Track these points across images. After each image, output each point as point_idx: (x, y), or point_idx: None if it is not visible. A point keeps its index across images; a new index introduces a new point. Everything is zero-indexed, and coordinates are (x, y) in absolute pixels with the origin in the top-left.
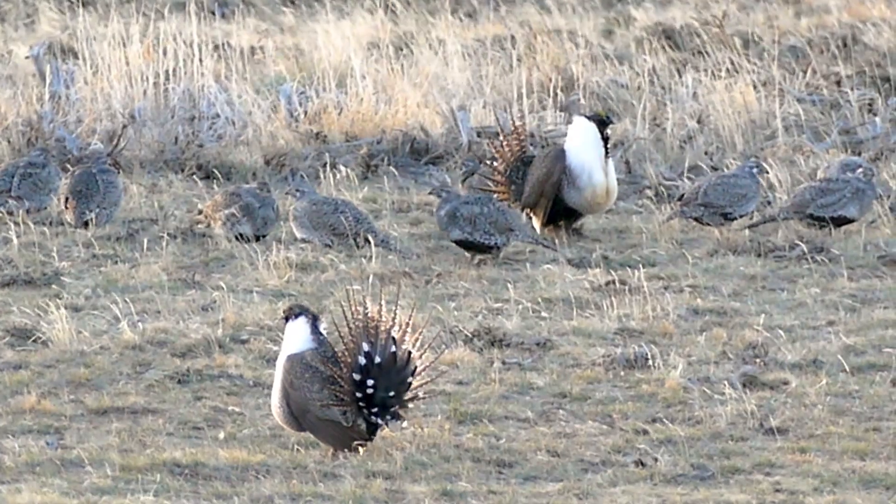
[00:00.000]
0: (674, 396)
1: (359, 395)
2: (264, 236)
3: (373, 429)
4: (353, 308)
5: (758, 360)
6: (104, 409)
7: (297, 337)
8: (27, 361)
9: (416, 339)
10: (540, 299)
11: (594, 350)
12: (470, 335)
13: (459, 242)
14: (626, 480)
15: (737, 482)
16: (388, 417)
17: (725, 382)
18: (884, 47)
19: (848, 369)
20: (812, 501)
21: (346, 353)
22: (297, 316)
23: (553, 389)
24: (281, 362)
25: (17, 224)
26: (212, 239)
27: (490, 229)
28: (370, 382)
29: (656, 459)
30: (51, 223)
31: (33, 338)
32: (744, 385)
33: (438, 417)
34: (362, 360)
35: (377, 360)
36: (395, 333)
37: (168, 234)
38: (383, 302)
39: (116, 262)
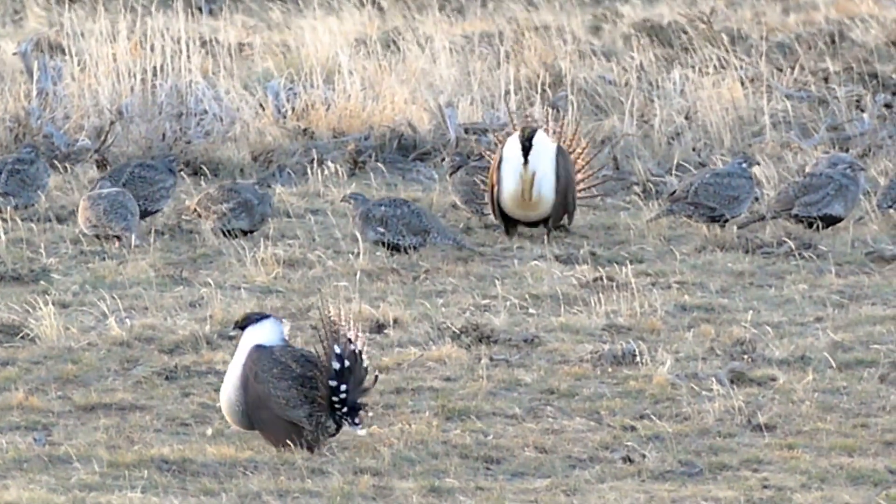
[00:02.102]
0: (661, 393)
1: (335, 399)
2: (254, 231)
3: (336, 431)
4: (325, 312)
5: (745, 357)
6: (92, 405)
7: (266, 334)
8: (15, 358)
9: (363, 338)
10: (527, 296)
11: (582, 346)
12: (457, 332)
13: (375, 244)
14: (614, 477)
15: (724, 478)
16: (356, 420)
17: (713, 379)
18: (871, 44)
19: (835, 366)
20: (800, 498)
21: (323, 358)
22: (262, 319)
23: (541, 386)
24: (242, 354)
25: (4, 220)
26: (199, 235)
27: (403, 230)
28: (343, 387)
29: (644, 456)
30: (38, 220)
31: (21, 334)
32: (731, 381)
33: (426, 414)
34: (337, 365)
35: (347, 363)
36: (351, 334)
37: (156, 231)
38: (341, 304)
39: (104, 259)
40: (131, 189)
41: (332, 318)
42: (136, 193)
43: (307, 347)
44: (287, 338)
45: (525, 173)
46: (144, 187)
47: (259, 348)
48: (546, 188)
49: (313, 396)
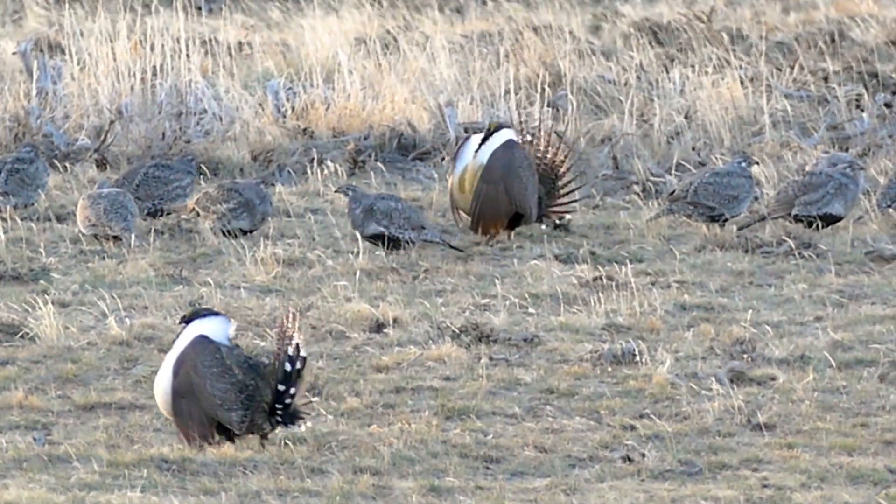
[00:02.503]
0: (661, 392)
1: (279, 403)
2: (254, 231)
3: (269, 432)
4: (288, 317)
5: (745, 356)
6: (91, 404)
7: (212, 329)
8: (14, 357)
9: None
10: (527, 295)
11: (581, 346)
12: (457, 331)
13: (375, 237)
14: (614, 476)
15: (724, 478)
16: (296, 423)
17: (713, 378)
18: (871, 43)
19: (835, 365)
20: (799, 497)
21: (274, 362)
22: (210, 314)
23: (540, 385)
24: (184, 341)
25: (4, 220)
26: (199, 235)
27: (405, 224)
28: (292, 391)
29: (644, 455)
30: (38, 219)
31: (20, 333)
32: (731, 381)
33: (426, 413)
34: (288, 367)
35: (298, 366)
36: (300, 339)
37: (155, 230)
38: (291, 307)
39: (104, 258)
40: (145, 189)
41: (284, 322)
42: (150, 193)
43: (252, 349)
44: (231, 338)
45: (472, 163)
46: (159, 186)
47: (205, 340)
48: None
49: (249, 403)
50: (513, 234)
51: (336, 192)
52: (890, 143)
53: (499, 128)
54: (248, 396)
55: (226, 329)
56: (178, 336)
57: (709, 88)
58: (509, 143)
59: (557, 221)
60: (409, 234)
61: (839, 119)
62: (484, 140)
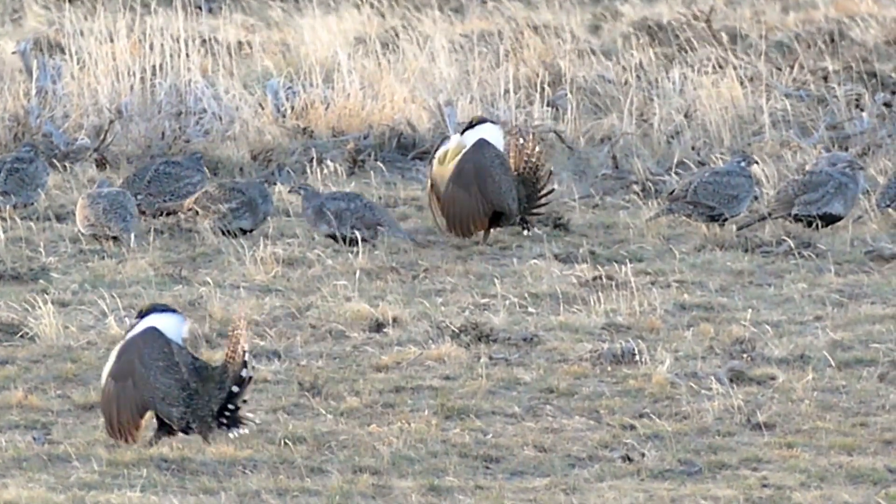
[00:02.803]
0: (661, 392)
1: (229, 406)
2: (254, 230)
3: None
4: (240, 324)
5: (745, 356)
6: (91, 404)
7: (166, 324)
8: (14, 357)
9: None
10: (527, 294)
11: (581, 345)
12: (457, 330)
13: (328, 237)
14: (613, 475)
15: (724, 477)
16: (239, 428)
17: (712, 378)
18: (871, 42)
19: (835, 364)
20: (799, 496)
21: (230, 365)
22: (167, 312)
23: (540, 385)
24: (136, 330)
25: (3, 219)
26: (199, 234)
27: (357, 223)
28: (242, 396)
29: (643, 455)
30: (38, 218)
31: (20, 333)
32: (731, 380)
33: (425, 413)
34: (245, 373)
35: (251, 371)
36: (246, 345)
37: (155, 230)
38: (243, 312)
39: (103, 258)
40: (156, 186)
41: (235, 328)
42: (161, 189)
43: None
44: (185, 338)
45: (458, 141)
46: (170, 183)
47: (156, 333)
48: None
49: (190, 402)
50: (491, 232)
51: (289, 192)
52: (889, 142)
53: (482, 121)
54: (189, 395)
55: (180, 328)
56: (130, 327)
57: (708, 88)
58: (479, 143)
59: (530, 227)
60: (364, 233)
61: (839, 119)
62: (469, 126)
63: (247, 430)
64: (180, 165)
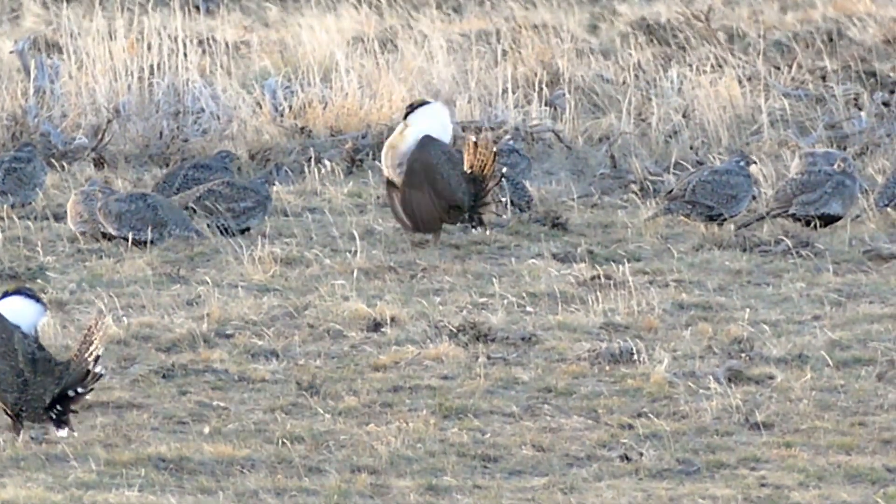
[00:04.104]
0: (659, 391)
1: (63, 402)
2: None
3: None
4: (96, 324)
5: (743, 355)
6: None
7: (20, 311)
8: None
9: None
10: (525, 294)
11: (579, 345)
12: (455, 330)
13: (114, 238)
14: (612, 475)
15: (722, 477)
16: (67, 425)
17: (710, 377)
18: (869, 42)
19: (833, 364)
20: (797, 496)
21: (72, 364)
22: (27, 297)
23: (538, 384)
24: None
25: (1, 219)
26: (196, 234)
27: (138, 224)
28: (80, 393)
29: (641, 454)
30: (35, 218)
31: None
32: (729, 380)
33: (423, 412)
34: (98, 370)
35: (98, 371)
36: (99, 348)
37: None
38: (105, 319)
39: (101, 257)
40: (185, 191)
41: (92, 328)
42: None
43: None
44: (38, 329)
45: (400, 128)
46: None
47: (1, 319)
48: (403, 149)
49: (24, 389)
50: (442, 228)
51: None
52: (888, 141)
53: (423, 103)
54: (24, 382)
55: (35, 317)
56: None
57: (707, 87)
58: (424, 142)
59: (480, 224)
60: (146, 234)
61: (837, 118)
62: (408, 114)
63: (66, 434)
64: (209, 168)
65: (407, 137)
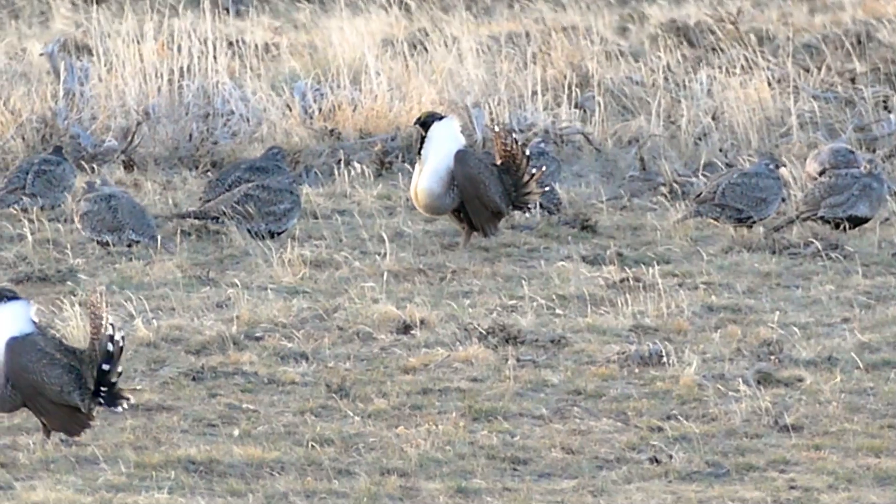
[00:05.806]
0: (688, 393)
1: (104, 382)
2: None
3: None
4: (95, 298)
5: (772, 358)
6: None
7: (14, 320)
8: None
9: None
10: (554, 296)
11: (609, 347)
12: (484, 332)
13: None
14: (641, 477)
15: (751, 479)
16: (118, 403)
17: (740, 379)
18: None
19: (862, 366)
20: (827, 498)
21: (94, 343)
22: (9, 299)
23: (567, 387)
24: None
25: (31, 221)
26: (226, 236)
27: (99, 226)
28: (116, 370)
29: (671, 456)
30: (65, 220)
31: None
32: (758, 382)
33: (453, 415)
34: (110, 348)
35: (121, 346)
36: (113, 319)
37: (182, 232)
38: (101, 290)
39: (131, 260)
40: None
41: (95, 303)
42: None
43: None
44: (36, 321)
45: (419, 163)
46: None
47: (17, 341)
48: (426, 179)
49: (80, 382)
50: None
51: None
52: None
53: (430, 116)
54: (76, 376)
55: (27, 311)
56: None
57: (736, 90)
58: (459, 157)
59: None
60: (106, 236)
61: (866, 120)
62: (422, 141)
63: (126, 407)
64: (262, 170)
65: (425, 174)
